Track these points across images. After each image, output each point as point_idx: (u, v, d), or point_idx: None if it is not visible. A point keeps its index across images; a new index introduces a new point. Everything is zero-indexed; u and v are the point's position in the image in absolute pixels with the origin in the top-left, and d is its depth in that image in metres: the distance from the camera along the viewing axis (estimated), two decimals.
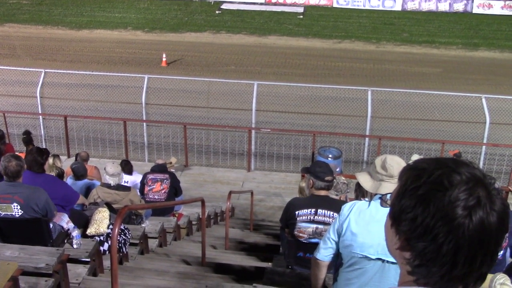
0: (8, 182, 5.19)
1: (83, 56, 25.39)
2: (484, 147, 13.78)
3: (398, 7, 35.82)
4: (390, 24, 32.83)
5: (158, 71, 22.06)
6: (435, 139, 14.22)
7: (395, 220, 1.32)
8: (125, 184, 8.19)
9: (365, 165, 13.83)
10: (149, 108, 15.01)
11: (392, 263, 3.00)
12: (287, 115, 16.39)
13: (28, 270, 4.56)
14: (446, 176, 1.25)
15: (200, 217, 8.34)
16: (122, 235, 6.07)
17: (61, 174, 7.78)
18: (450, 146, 13.50)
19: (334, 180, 5.33)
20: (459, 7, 35.69)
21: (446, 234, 1.22)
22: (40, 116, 15.07)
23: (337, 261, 3.34)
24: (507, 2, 35.28)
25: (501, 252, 5.28)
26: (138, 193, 8.07)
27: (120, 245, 5.92)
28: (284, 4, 36.18)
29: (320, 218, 4.79)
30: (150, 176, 9.10)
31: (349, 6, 35.97)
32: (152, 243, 7.32)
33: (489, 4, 35.45)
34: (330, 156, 13.08)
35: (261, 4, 36.13)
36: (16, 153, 7.75)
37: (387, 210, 1.41)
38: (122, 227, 6.09)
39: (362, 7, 35.81)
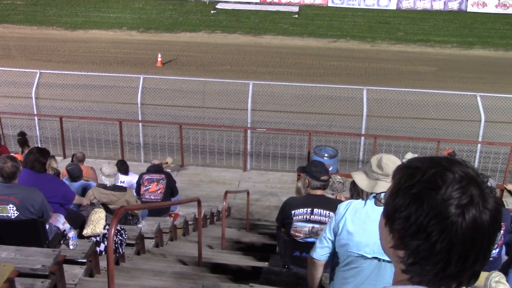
0: (4, 183, 5.18)
1: (78, 56, 25.32)
2: (479, 145, 13.82)
3: (393, 6, 35.84)
4: (385, 23, 32.86)
5: (153, 71, 22.01)
6: (430, 138, 14.24)
7: (389, 218, 1.33)
8: (121, 185, 8.18)
9: (360, 164, 13.85)
10: (145, 108, 14.99)
11: (388, 262, 3.01)
12: (282, 114, 16.39)
13: (24, 271, 4.56)
14: (440, 175, 1.26)
15: (197, 217, 8.34)
16: (118, 236, 6.07)
17: (57, 175, 7.77)
18: (445, 145, 13.53)
19: (330, 179, 5.34)
20: (453, 5, 35.75)
21: (439, 232, 1.23)
22: (36, 117, 15.03)
23: (333, 260, 3.35)
24: (501, 1, 35.37)
25: (497, 250, 5.31)
26: (134, 194, 8.07)
27: (116, 245, 5.92)
28: (279, 4, 36.17)
29: (316, 218, 4.81)
30: (146, 177, 9.10)
31: (344, 5, 35.97)
32: (149, 244, 7.32)
33: (483, 2, 35.52)
34: (326, 155, 13.11)
35: (256, 3, 36.09)
36: (12, 154, 7.74)
37: (382, 209, 1.42)
38: (118, 227, 6.09)
39: (357, 6, 35.81)
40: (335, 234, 3.23)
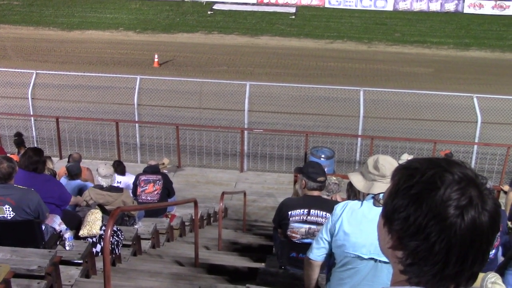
0: (0, 184, 5.16)
1: (75, 57, 25.29)
2: (475, 146, 13.84)
3: (389, 7, 35.94)
4: (382, 24, 32.93)
5: (150, 72, 22.00)
6: (427, 139, 14.26)
7: (388, 219, 1.32)
8: (118, 185, 8.17)
9: (357, 165, 13.86)
10: (141, 109, 14.97)
11: (385, 262, 3.01)
12: (279, 115, 16.40)
13: (20, 272, 4.54)
14: (439, 176, 1.26)
15: (193, 218, 8.33)
16: (114, 237, 6.05)
17: (53, 176, 7.75)
18: (442, 146, 13.55)
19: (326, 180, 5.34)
20: (450, 7, 35.85)
21: (438, 233, 1.22)
22: (32, 118, 14.98)
23: (330, 261, 3.35)
24: (497, 2, 35.47)
25: (493, 251, 5.31)
26: (131, 194, 8.05)
27: (112, 246, 5.90)
28: (276, 4, 36.21)
29: (313, 219, 4.80)
30: (143, 177, 9.09)
31: (341, 6, 36.05)
32: (145, 244, 7.31)
33: (480, 4, 35.63)
34: (323, 156, 13.11)
35: (253, 4, 36.14)
36: (8, 154, 7.72)
37: (379, 209, 1.41)
38: (114, 228, 6.07)
39: (354, 7, 35.90)
40: (332, 235, 3.22)
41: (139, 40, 29.05)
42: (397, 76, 23.63)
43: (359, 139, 14.09)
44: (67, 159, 10.62)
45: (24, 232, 5.21)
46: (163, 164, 11.52)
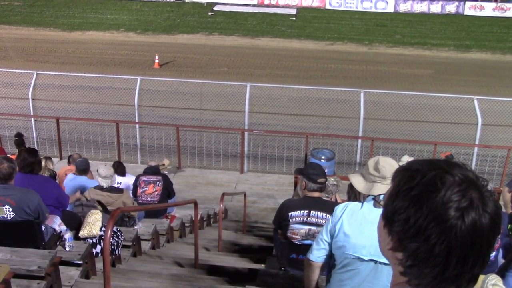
0: (0, 184, 5.16)
1: (75, 57, 25.30)
2: (476, 148, 13.83)
3: (390, 9, 35.97)
4: (383, 26, 32.96)
5: (150, 73, 22.03)
6: (427, 141, 14.24)
7: (388, 220, 1.32)
8: (118, 186, 8.16)
9: (358, 166, 13.86)
10: (142, 110, 14.97)
11: (385, 264, 3.01)
12: (280, 116, 16.40)
13: (20, 272, 4.54)
14: (439, 178, 1.25)
15: (193, 219, 8.33)
16: (114, 237, 6.05)
17: (53, 176, 7.75)
18: (442, 148, 13.55)
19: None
20: (451, 9, 35.87)
21: (438, 235, 1.22)
22: (32, 118, 14.99)
23: (330, 262, 3.34)
24: (498, 4, 35.49)
25: (494, 253, 5.30)
26: (131, 195, 8.04)
27: (112, 247, 5.90)
28: (277, 6, 36.24)
29: (313, 220, 4.80)
30: (143, 178, 9.08)
31: (342, 8, 36.09)
32: (145, 245, 7.30)
33: (481, 6, 35.65)
34: (323, 157, 13.10)
35: (254, 5, 36.17)
36: (8, 155, 7.72)
37: (379, 211, 1.41)
38: (114, 229, 6.07)
39: (354, 9, 35.94)
40: (332, 236, 3.22)
41: (139, 41, 29.08)
42: (397, 77, 23.63)
43: (360, 140, 14.08)
44: (67, 160, 10.62)
45: (24, 232, 5.20)
46: (163, 165, 11.51)
